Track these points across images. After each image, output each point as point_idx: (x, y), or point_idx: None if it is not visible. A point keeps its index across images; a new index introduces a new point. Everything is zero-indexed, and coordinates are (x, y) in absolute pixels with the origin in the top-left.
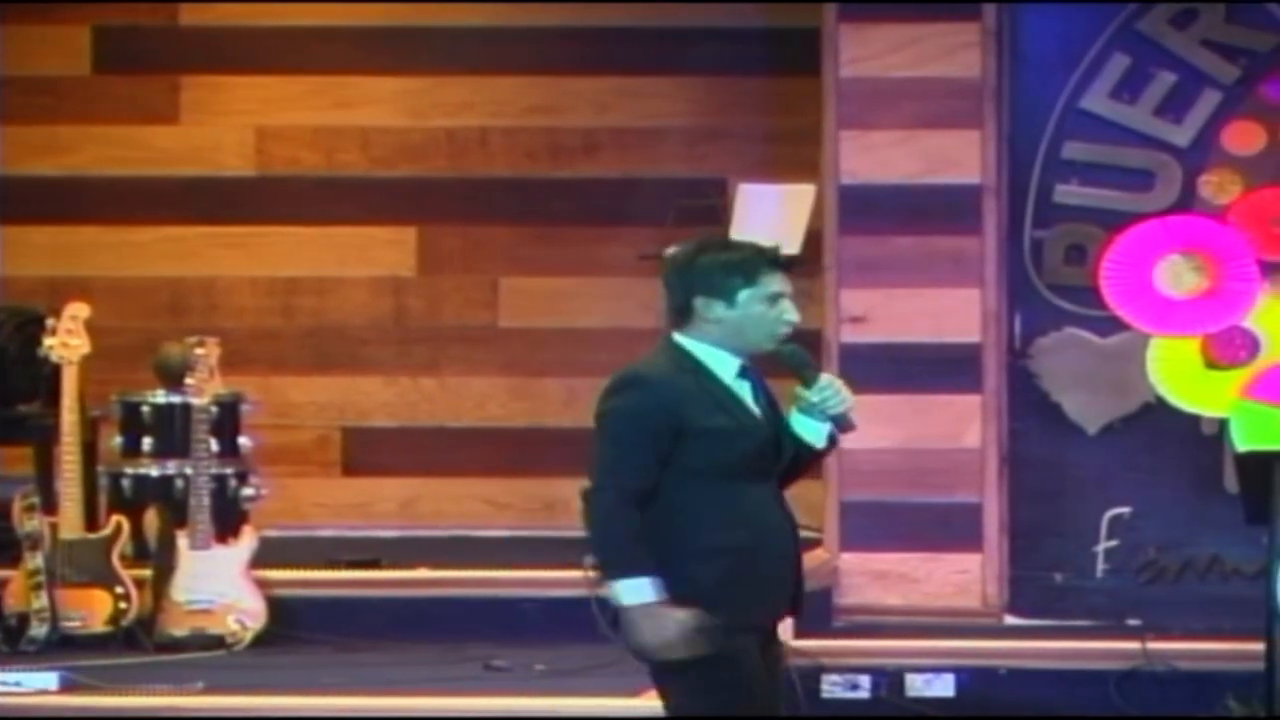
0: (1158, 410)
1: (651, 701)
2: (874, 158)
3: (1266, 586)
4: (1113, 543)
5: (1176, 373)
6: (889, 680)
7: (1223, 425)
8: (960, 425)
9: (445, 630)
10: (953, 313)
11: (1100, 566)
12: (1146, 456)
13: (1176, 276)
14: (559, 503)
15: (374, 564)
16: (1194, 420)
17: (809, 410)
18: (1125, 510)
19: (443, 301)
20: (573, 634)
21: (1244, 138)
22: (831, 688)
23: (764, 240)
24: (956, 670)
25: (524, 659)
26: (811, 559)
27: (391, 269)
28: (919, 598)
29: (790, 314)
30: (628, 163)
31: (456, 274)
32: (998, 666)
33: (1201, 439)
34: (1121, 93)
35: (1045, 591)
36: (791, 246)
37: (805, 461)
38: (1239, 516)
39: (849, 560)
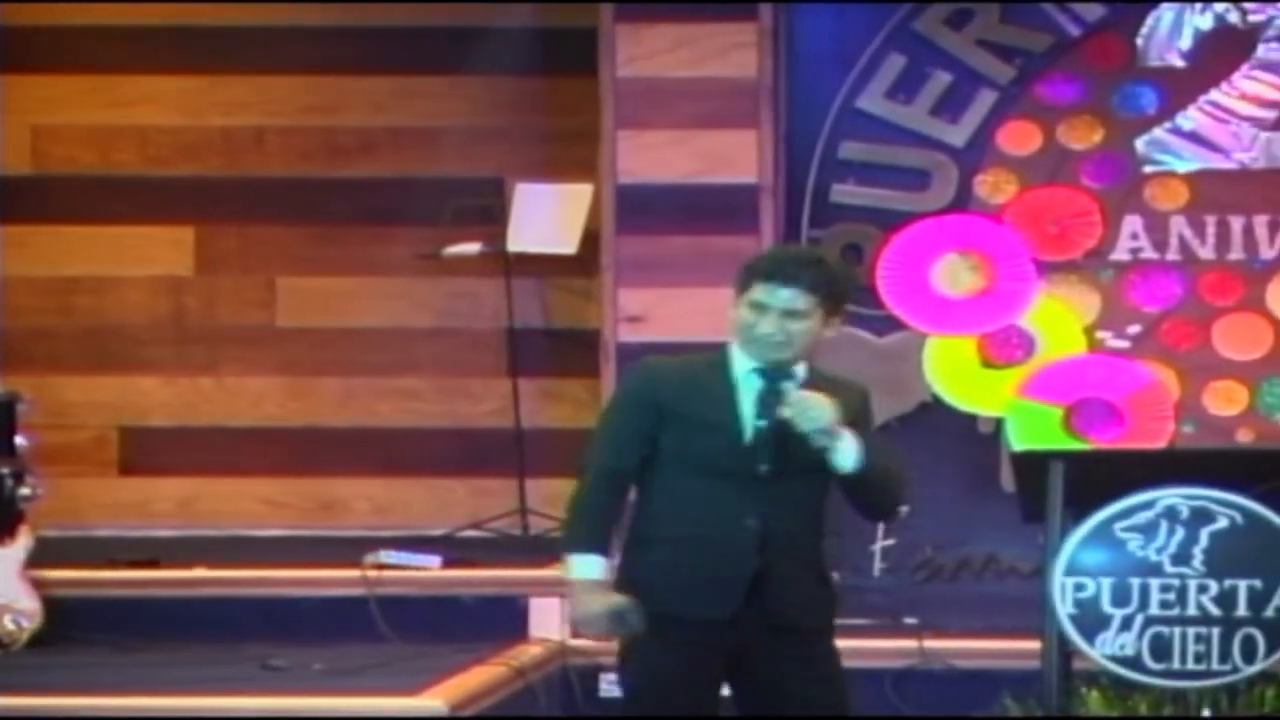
0: (935, 409)
1: (431, 701)
2: (651, 157)
3: (1042, 585)
4: (890, 541)
5: (953, 372)
6: None
7: (999, 424)
8: None
9: (223, 630)
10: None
11: (877, 565)
12: (924, 456)
13: (953, 276)
14: (337, 502)
15: (152, 564)
16: (971, 419)
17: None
18: (902, 509)
19: (220, 301)
20: (351, 633)
21: (1019, 138)
22: (610, 686)
23: (790, 249)
24: None
25: (302, 658)
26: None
27: (169, 268)
28: None
29: (761, 327)
30: (405, 163)
31: (234, 274)
32: None
33: (978, 438)
34: (897, 93)
35: None
36: (568, 246)
37: (850, 487)
38: (1015, 515)
39: None
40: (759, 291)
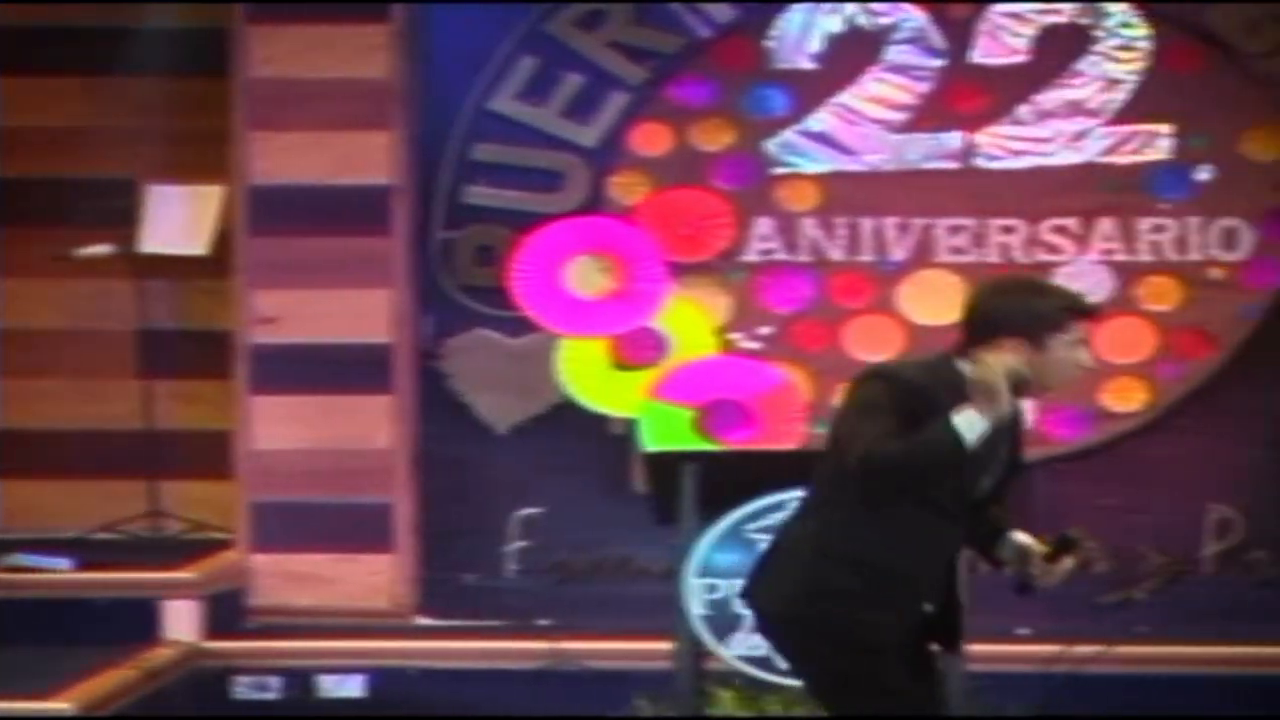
0: (568, 410)
1: (61, 704)
2: (284, 159)
3: (674, 586)
4: (524, 543)
5: (586, 373)
6: (299, 681)
7: (631, 425)
8: (371, 426)
9: None
10: (364, 313)
11: (512, 567)
12: (557, 457)
13: (585, 278)
14: None
15: None
16: (604, 420)
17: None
18: (536, 511)
19: None
20: None
21: (651, 139)
22: (241, 689)
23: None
24: (367, 670)
25: None
26: (222, 560)
27: None
28: (332, 598)
29: (1088, 361)
30: (38, 164)
31: None
32: (409, 667)
33: (611, 439)
34: (529, 94)
35: (457, 592)
36: (199, 247)
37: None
38: (648, 517)
39: (261, 561)
40: (1081, 329)
